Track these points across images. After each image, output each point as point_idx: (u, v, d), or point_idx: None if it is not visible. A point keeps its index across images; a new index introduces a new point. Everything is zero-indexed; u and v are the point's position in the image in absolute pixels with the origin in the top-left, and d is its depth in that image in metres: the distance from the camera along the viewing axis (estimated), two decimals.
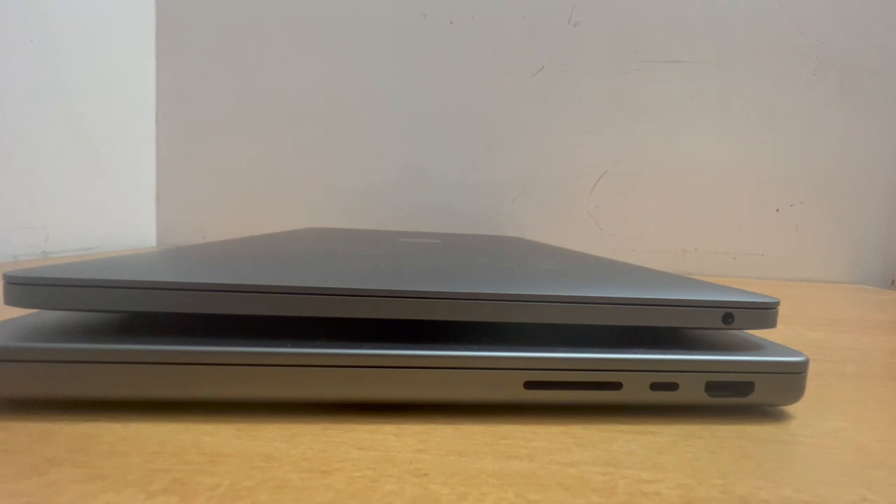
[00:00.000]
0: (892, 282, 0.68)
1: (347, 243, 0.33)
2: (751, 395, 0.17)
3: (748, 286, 0.20)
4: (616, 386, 0.17)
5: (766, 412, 0.18)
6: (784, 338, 0.21)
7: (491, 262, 0.25)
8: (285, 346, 0.16)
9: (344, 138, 0.68)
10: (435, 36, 0.66)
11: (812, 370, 0.18)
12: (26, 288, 0.15)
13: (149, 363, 0.15)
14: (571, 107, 0.67)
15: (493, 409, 0.17)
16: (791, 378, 0.17)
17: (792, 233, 0.67)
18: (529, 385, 0.16)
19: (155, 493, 0.12)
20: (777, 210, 0.67)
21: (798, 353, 0.18)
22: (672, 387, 0.17)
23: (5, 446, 0.13)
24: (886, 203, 0.67)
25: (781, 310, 0.18)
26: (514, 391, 0.16)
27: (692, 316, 0.17)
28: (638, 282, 0.21)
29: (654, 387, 0.17)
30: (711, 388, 0.17)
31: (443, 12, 0.66)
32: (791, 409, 0.19)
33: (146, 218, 0.68)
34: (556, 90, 0.67)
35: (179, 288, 0.16)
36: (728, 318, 0.18)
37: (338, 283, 0.16)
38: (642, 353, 0.17)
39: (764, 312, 0.18)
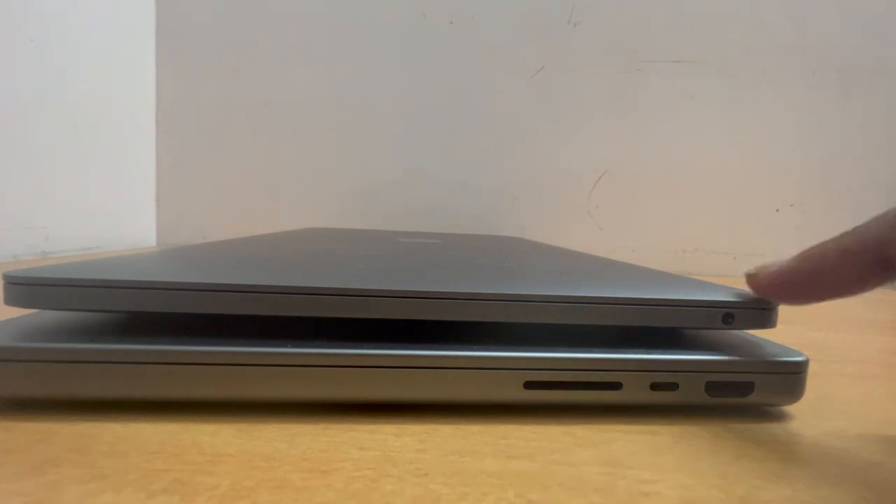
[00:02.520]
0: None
1: (347, 243, 0.33)
2: (751, 395, 0.17)
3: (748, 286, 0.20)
4: (616, 386, 0.17)
5: (766, 412, 0.18)
6: (784, 338, 0.21)
7: (491, 262, 0.25)
8: (285, 346, 0.16)
9: (344, 138, 0.68)
10: (435, 36, 0.66)
11: (812, 370, 0.18)
12: (26, 288, 0.15)
13: (149, 363, 0.15)
14: (571, 107, 0.67)
15: (493, 409, 0.17)
16: (791, 378, 0.17)
17: (792, 233, 0.67)
18: (529, 385, 0.16)
19: (155, 493, 0.12)
20: (777, 210, 0.67)
21: (798, 353, 0.18)
22: (672, 387, 0.17)
23: (5, 446, 0.13)
24: (886, 203, 0.66)
25: (781, 310, 0.18)
26: (514, 391, 0.16)
27: (692, 316, 0.17)
28: (638, 282, 0.21)
29: (654, 387, 0.17)
30: (711, 388, 0.17)
31: (443, 12, 0.66)
32: (791, 409, 0.19)
33: (146, 218, 0.68)
34: (556, 90, 0.67)
35: (179, 288, 0.16)
36: (728, 318, 0.18)
37: (338, 283, 0.16)
38: (642, 353, 0.17)
39: (764, 312, 0.18)
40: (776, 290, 0.17)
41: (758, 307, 0.18)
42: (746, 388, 0.17)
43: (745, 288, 0.19)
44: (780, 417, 0.18)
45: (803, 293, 0.17)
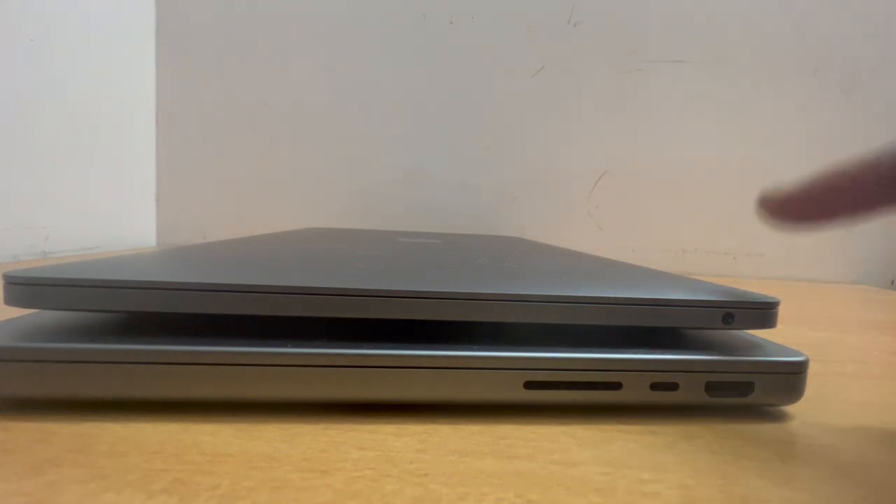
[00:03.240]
0: (892, 282, 0.68)
1: (347, 243, 0.33)
2: (751, 395, 0.17)
3: (748, 286, 0.20)
4: (616, 386, 0.17)
5: (766, 412, 0.18)
6: (784, 338, 0.21)
7: (491, 262, 0.25)
8: (285, 346, 0.16)
9: (344, 138, 0.68)
10: (435, 36, 0.66)
11: (812, 370, 0.18)
12: (26, 288, 0.15)
13: (149, 363, 0.15)
14: (571, 107, 0.67)
15: (493, 409, 0.17)
16: (791, 378, 0.17)
17: (792, 233, 0.67)
18: (529, 385, 0.16)
19: (155, 493, 0.12)
20: None
21: (798, 353, 0.18)
22: (672, 387, 0.17)
23: (5, 446, 0.13)
24: None
25: (781, 310, 0.18)
26: (514, 391, 0.16)
27: (692, 316, 0.17)
28: (638, 282, 0.21)
29: (654, 387, 0.17)
30: (711, 388, 0.17)
31: (443, 12, 0.66)
32: (791, 409, 0.19)
33: (146, 218, 0.68)
34: (556, 90, 0.67)
35: (179, 288, 0.16)
36: (728, 318, 0.18)
37: (338, 283, 0.16)
38: (642, 353, 0.17)
39: (764, 312, 0.18)
40: (793, 207, 0.17)
41: (758, 307, 0.18)
42: (746, 388, 0.17)
43: (745, 288, 0.19)
44: (780, 417, 0.18)
45: (820, 210, 0.16)
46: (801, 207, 0.16)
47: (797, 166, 0.66)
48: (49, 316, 0.18)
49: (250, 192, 0.68)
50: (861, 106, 0.66)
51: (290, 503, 0.12)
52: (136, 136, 0.65)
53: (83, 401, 0.15)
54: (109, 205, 0.61)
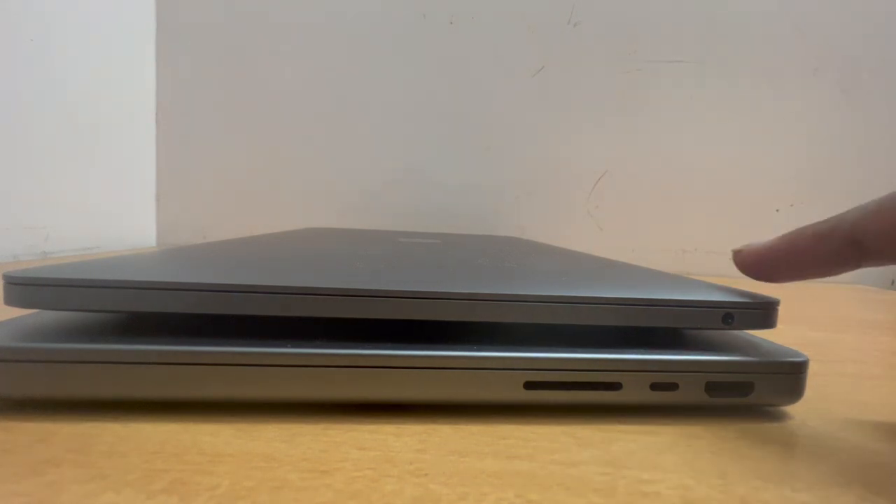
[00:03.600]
0: (893, 282, 0.68)
1: (347, 243, 0.33)
2: (751, 395, 0.17)
3: (748, 286, 0.20)
4: (616, 386, 0.17)
5: (766, 412, 0.18)
6: (784, 338, 0.21)
7: (490, 262, 0.25)
8: (285, 346, 0.16)
9: (344, 138, 0.68)
10: (435, 36, 0.66)
11: (812, 370, 0.18)
12: (26, 288, 0.15)
13: (149, 363, 0.15)
14: (571, 107, 0.67)
15: (493, 409, 0.17)
16: (791, 378, 0.17)
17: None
18: (529, 385, 0.16)
19: (155, 493, 0.12)
20: (777, 210, 0.67)
21: (798, 354, 0.18)
22: (672, 387, 0.17)
23: (5, 446, 0.13)
24: None
25: (781, 310, 0.18)
26: (514, 391, 0.16)
27: (692, 316, 0.17)
28: (638, 282, 0.21)
29: (654, 387, 0.17)
30: (711, 388, 0.17)
31: (443, 12, 0.66)
32: (791, 409, 0.19)
33: (146, 218, 0.68)
34: (556, 90, 0.67)
35: (179, 288, 0.16)
36: (728, 319, 0.18)
37: (338, 283, 0.16)
38: (642, 354, 0.17)
39: (764, 312, 0.18)
40: (757, 266, 0.19)
41: (758, 307, 0.18)
42: (746, 388, 0.17)
43: (745, 288, 0.19)
44: (780, 417, 0.18)
45: (780, 270, 0.18)
46: (765, 264, 0.18)
47: (797, 166, 0.67)
48: (49, 316, 0.18)
49: (250, 192, 0.68)
50: (861, 106, 0.66)
51: (290, 503, 0.12)
52: (136, 136, 0.65)
53: (83, 401, 0.15)
54: (109, 205, 0.61)
